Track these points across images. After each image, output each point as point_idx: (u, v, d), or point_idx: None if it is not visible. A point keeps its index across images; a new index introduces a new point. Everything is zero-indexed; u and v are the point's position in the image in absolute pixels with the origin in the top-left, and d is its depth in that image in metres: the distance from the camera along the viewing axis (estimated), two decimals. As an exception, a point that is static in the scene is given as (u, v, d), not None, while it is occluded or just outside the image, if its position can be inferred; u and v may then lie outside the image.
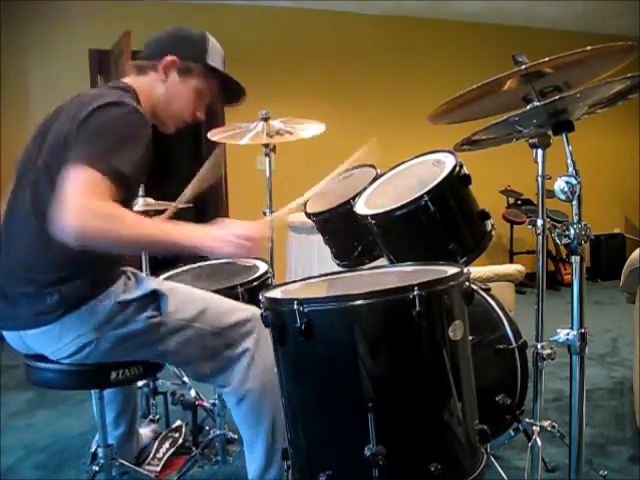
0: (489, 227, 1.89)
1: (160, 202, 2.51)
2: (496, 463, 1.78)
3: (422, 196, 1.72)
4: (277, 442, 1.63)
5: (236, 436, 2.09)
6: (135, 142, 1.39)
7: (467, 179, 1.80)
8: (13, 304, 1.45)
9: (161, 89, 1.60)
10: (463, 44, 5.78)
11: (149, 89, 1.60)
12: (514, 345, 1.80)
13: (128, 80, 1.60)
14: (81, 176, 1.30)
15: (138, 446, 2.18)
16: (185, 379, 2.55)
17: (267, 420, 1.64)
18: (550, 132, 1.48)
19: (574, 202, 1.39)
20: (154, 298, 1.54)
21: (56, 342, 1.46)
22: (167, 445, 2.21)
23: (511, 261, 5.70)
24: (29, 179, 1.46)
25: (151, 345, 1.53)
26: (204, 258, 2.31)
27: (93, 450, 1.97)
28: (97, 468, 1.72)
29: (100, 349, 1.47)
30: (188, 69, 1.61)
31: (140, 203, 2.45)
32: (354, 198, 2.01)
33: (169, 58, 1.58)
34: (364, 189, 2.03)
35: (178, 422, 2.35)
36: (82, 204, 1.28)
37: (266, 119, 2.52)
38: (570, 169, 1.39)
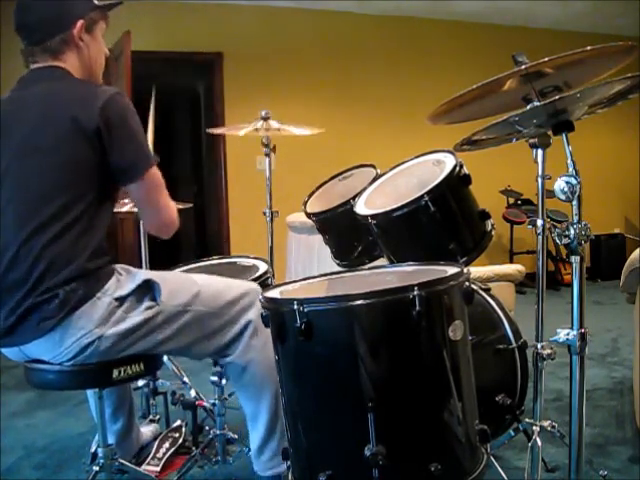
0: (489, 227, 1.89)
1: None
2: (496, 463, 1.78)
3: (422, 196, 1.72)
4: (279, 413, 1.64)
5: (236, 436, 2.09)
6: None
7: (467, 179, 1.80)
8: (14, 321, 1.44)
9: (84, 55, 1.59)
10: (463, 44, 5.78)
11: (75, 63, 1.58)
12: (514, 345, 1.80)
13: (56, 64, 1.55)
14: (155, 177, 1.54)
15: (139, 442, 2.18)
16: (185, 379, 2.55)
17: (270, 391, 1.65)
18: (550, 132, 1.48)
19: (574, 202, 1.39)
20: (148, 288, 1.54)
21: (57, 347, 1.46)
22: (167, 445, 2.21)
23: (511, 261, 5.70)
24: None
25: (151, 335, 1.54)
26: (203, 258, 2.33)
27: (93, 450, 1.97)
28: (97, 468, 1.71)
29: (102, 347, 1.47)
30: (92, 22, 1.60)
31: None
32: (354, 198, 2.01)
33: (79, 24, 1.55)
34: (364, 189, 2.03)
35: (178, 422, 2.34)
36: (171, 204, 1.60)
37: (266, 119, 2.52)
38: (570, 169, 1.39)
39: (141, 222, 2.37)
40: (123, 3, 1.68)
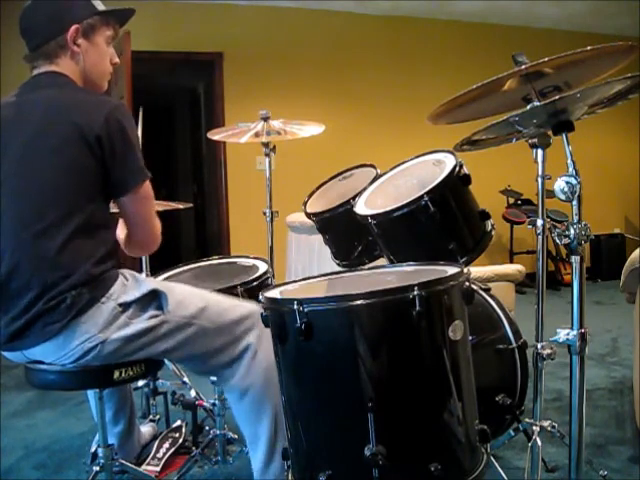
0: (489, 227, 1.89)
1: (160, 202, 2.51)
2: (496, 463, 1.77)
3: (422, 196, 1.72)
4: (279, 435, 1.64)
5: (236, 436, 2.09)
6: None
7: (467, 179, 1.80)
8: (19, 327, 1.44)
9: (80, 61, 1.57)
10: (463, 44, 5.78)
11: (72, 68, 1.57)
12: (514, 345, 1.80)
13: (55, 69, 1.55)
14: (147, 192, 1.55)
15: (140, 443, 2.18)
16: (185, 379, 2.55)
17: (269, 415, 1.64)
18: (550, 132, 1.48)
19: (574, 202, 1.39)
20: (154, 297, 1.54)
21: (60, 350, 1.46)
22: (167, 445, 2.21)
23: (511, 261, 5.70)
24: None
25: (154, 344, 1.53)
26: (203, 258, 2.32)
27: (93, 450, 1.97)
28: (97, 468, 1.71)
29: (105, 352, 1.47)
30: (91, 28, 1.57)
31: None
32: (354, 198, 2.00)
33: (72, 29, 1.53)
34: (364, 189, 2.03)
35: (178, 422, 2.35)
36: (158, 221, 1.62)
37: (266, 119, 2.52)
38: (570, 169, 1.39)
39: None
40: (135, 11, 1.66)
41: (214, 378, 2.02)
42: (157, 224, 1.63)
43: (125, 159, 1.49)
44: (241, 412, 1.69)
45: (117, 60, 1.67)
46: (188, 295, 1.63)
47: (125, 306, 1.49)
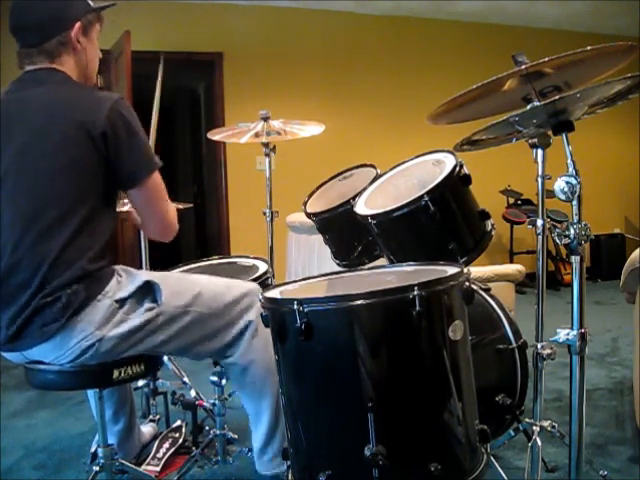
0: (489, 227, 1.89)
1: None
2: (496, 463, 1.78)
3: (422, 196, 1.72)
4: (280, 413, 1.64)
5: (236, 436, 2.09)
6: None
7: (467, 179, 1.80)
8: (18, 327, 1.44)
9: (82, 58, 1.58)
10: (463, 44, 5.78)
11: (71, 65, 1.57)
12: (514, 345, 1.80)
13: (54, 66, 1.54)
14: (156, 183, 1.55)
15: (140, 442, 2.18)
16: (185, 379, 2.55)
17: (271, 391, 1.66)
18: (550, 132, 1.48)
19: (574, 202, 1.39)
20: (148, 290, 1.54)
21: (58, 350, 1.46)
22: (167, 445, 2.21)
23: (511, 261, 5.70)
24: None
25: (152, 336, 1.54)
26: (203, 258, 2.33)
27: (93, 450, 1.97)
28: (97, 468, 1.71)
29: (103, 349, 1.47)
30: (89, 24, 1.58)
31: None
32: (354, 198, 2.01)
33: (76, 26, 1.54)
34: (364, 189, 2.03)
35: (178, 422, 2.35)
36: (172, 209, 1.61)
37: (266, 119, 2.52)
38: (570, 169, 1.39)
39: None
40: (116, 4, 1.67)
41: (214, 378, 2.03)
42: (169, 214, 1.62)
43: (132, 152, 1.50)
44: (244, 389, 1.71)
45: (100, 54, 1.68)
46: (182, 283, 1.64)
47: (121, 302, 1.49)
